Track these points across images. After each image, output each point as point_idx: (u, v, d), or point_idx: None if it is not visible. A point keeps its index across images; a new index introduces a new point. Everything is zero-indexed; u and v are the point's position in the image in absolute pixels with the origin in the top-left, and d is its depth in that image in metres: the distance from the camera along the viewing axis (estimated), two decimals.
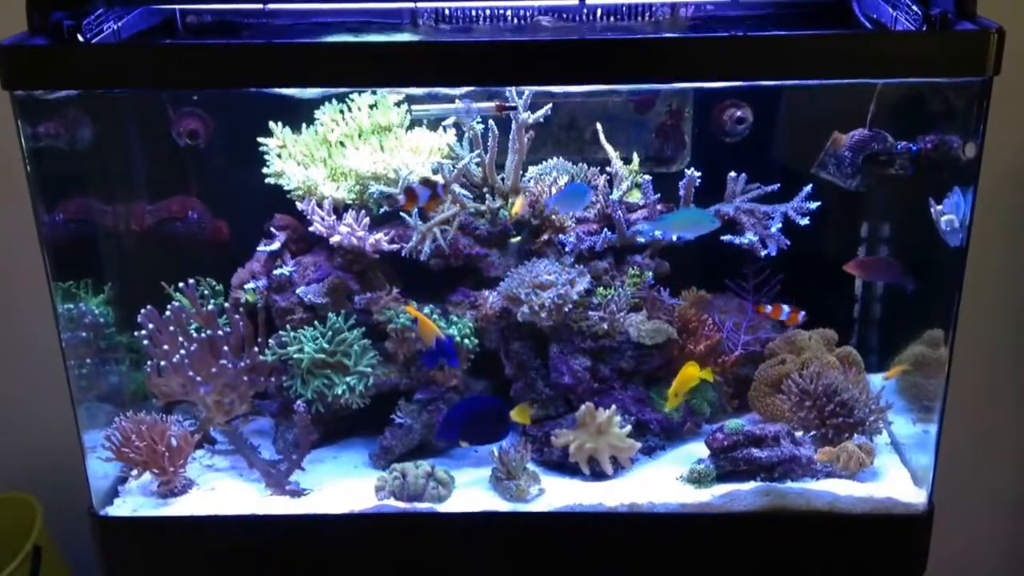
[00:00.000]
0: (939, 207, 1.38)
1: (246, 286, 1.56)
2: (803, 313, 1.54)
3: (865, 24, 1.38)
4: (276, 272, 1.56)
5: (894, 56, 1.23)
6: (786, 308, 1.54)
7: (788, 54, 1.24)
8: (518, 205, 1.52)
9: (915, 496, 1.43)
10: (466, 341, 1.51)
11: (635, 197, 1.59)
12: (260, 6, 1.42)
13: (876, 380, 1.61)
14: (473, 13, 1.45)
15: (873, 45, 1.27)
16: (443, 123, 1.56)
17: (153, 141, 1.60)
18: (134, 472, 1.50)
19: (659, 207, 1.58)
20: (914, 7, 1.27)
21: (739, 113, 1.60)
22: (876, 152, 1.52)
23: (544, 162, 1.63)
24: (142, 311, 1.46)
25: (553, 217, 1.56)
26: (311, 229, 1.53)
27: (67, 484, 1.55)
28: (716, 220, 1.48)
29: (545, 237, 1.57)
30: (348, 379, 1.50)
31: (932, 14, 1.23)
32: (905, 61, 1.22)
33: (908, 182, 1.51)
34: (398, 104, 1.57)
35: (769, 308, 1.55)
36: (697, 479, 1.44)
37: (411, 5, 1.44)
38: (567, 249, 1.55)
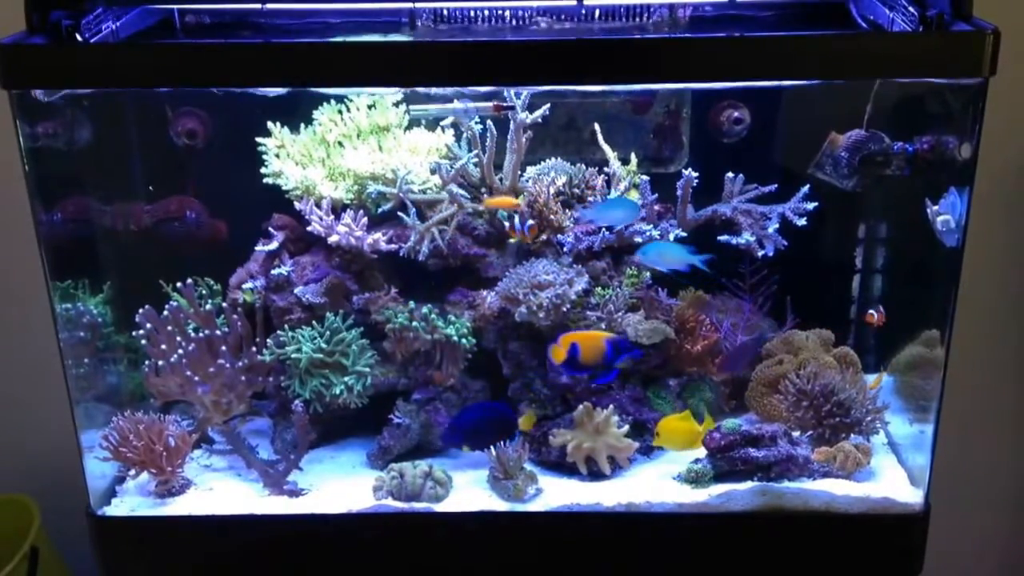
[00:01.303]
0: (935, 207, 1.38)
1: (244, 286, 1.56)
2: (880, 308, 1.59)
3: (862, 25, 1.38)
4: (274, 272, 1.56)
5: (890, 57, 1.23)
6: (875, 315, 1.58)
7: (786, 55, 1.24)
8: (500, 201, 1.52)
9: (912, 496, 1.43)
10: (464, 341, 1.51)
11: (633, 197, 1.59)
12: (259, 6, 1.42)
13: (872, 381, 1.62)
14: (472, 13, 1.45)
15: (870, 45, 1.27)
16: (441, 123, 1.57)
17: (151, 141, 1.60)
18: (132, 472, 1.50)
19: (656, 207, 1.58)
20: (910, 8, 1.27)
21: (736, 114, 1.60)
22: (872, 153, 1.52)
23: (542, 162, 1.64)
24: (140, 311, 1.46)
25: (552, 217, 1.56)
26: (309, 229, 1.53)
27: (65, 485, 1.55)
28: (637, 208, 1.50)
29: (543, 237, 1.57)
30: (346, 379, 1.50)
31: (928, 15, 1.24)
32: (901, 62, 1.23)
33: (904, 183, 1.52)
34: (396, 104, 1.57)
35: (876, 315, 1.58)
36: (694, 479, 1.44)
37: (409, 5, 1.44)
38: (565, 249, 1.55)
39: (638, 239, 1.56)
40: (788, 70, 1.26)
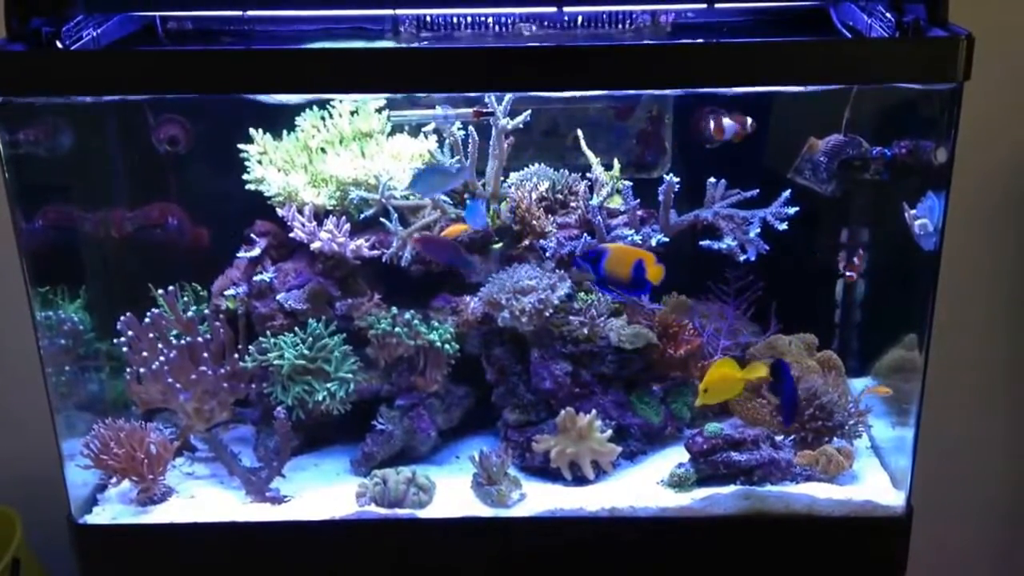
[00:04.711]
0: (912, 211, 1.39)
1: (226, 293, 1.56)
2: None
3: (843, 31, 1.39)
4: (256, 278, 1.55)
5: (868, 62, 1.24)
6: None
7: (767, 61, 1.25)
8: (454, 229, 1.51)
9: (894, 499, 1.44)
10: (447, 347, 1.51)
11: (616, 203, 1.60)
12: (240, 12, 1.42)
13: (857, 384, 1.62)
14: (454, 20, 1.46)
15: (847, 51, 1.28)
16: (423, 129, 1.57)
17: (133, 147, 1.59)
18: (113, 480, 1.49)
19: (639, 212, 1.59)
20: (888, 14, 1.29)
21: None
22: (851, 157, 1.53)
23: (526, 168, 1.64)
24: (121, 318, 1.45)
25: (534, 223, 1.57)
26: (292, 235, 1.53)
27: (46, 494, 1.53)
28: (456, 171, 1.48)
29: (526, 243, 1.57)
30: (329, 385, 1.49)
31: (905, 21, 1.25)
32: (878, 67, 1.24)
33: (883, 186, 1.53)
34: (379, 110, 1.57)
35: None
36: (677, 483, 1.45)
37: (392, 12, 1.45)
38: (548, 254, 1.55)
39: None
40: (769, 76, 1.26)
